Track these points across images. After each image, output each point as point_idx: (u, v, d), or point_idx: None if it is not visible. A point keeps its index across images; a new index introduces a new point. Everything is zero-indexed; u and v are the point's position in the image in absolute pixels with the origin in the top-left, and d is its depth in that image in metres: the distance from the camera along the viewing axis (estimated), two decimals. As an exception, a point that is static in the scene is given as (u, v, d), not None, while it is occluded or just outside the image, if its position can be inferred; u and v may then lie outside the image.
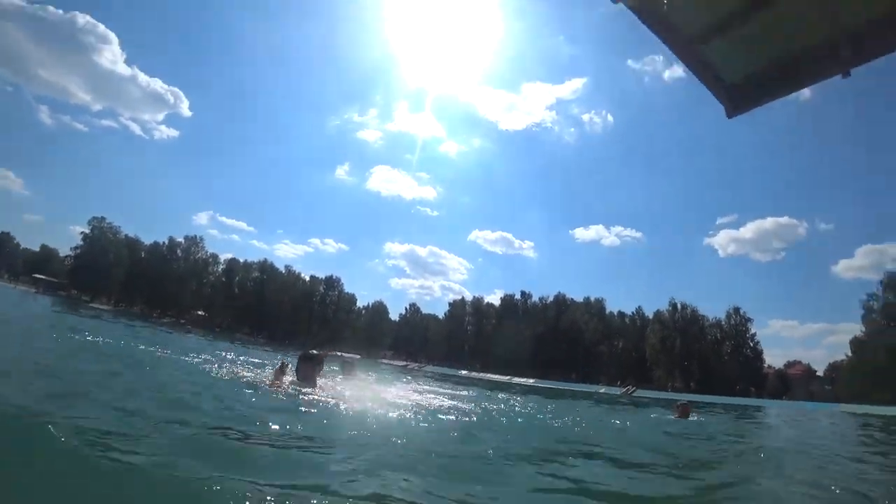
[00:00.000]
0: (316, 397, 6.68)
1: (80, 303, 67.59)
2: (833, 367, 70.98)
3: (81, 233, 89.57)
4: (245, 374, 8.82)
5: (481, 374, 48.70)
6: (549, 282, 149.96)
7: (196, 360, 10.06)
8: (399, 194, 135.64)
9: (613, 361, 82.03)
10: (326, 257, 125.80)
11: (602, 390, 38.46)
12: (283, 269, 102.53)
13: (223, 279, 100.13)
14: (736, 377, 70.16)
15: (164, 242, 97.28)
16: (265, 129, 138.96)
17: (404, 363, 67.59)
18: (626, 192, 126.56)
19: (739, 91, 3.72)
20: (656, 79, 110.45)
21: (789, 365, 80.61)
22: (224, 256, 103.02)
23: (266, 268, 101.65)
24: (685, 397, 30.67)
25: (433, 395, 10.55)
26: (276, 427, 4.20)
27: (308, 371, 7.57)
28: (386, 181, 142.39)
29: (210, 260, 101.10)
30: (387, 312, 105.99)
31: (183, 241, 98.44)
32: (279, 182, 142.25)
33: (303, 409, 5.79)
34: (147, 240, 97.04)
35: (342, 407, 6.16)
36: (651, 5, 3.03)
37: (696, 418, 10.90)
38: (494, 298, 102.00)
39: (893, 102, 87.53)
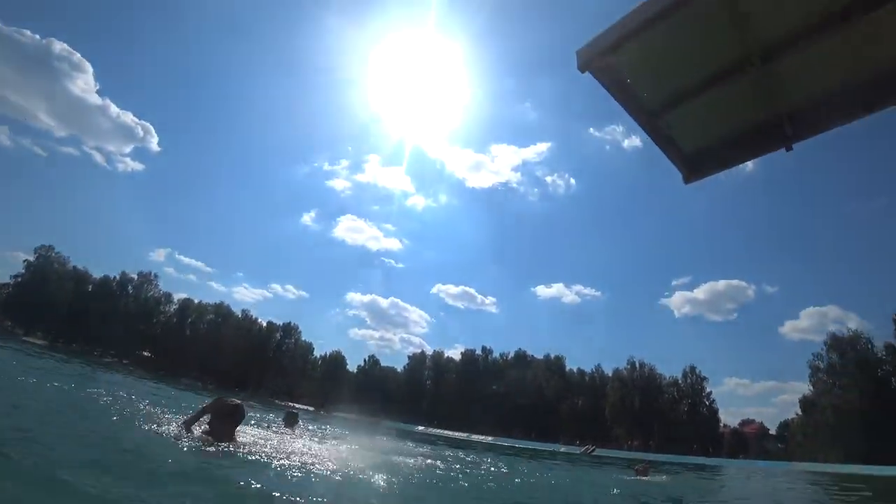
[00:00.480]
0: (215, 452, 5.47)
1: (12, 335, 62.55)
2: (784, 426, 72.63)
3: (25, 261, 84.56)
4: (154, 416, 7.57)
5: (439, 431, 47.23)
6: (510, 338, 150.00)
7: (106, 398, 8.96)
8: (364, 244, 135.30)
9: (573, 419, 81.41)
10: (285, 303, 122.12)
11: (562, 449, 37.89)
12: (239, 313, 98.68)
13: (175, 320, 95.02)
14: (693, 436, 70.80)
15: (115, 277, 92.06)
16: (234, 171, 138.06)
17: (360, 416, 65.00)
18: (587, 252, 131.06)
19: (695, 159, 3.99)
20: (616, 147, 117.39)
21: (744, 423, 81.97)
22: (178, 296, 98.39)
23: (222, 310, 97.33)
24: (645, 457, 30.57)
25: (384, 453, 9.33)
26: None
27: (219, 426, 6.09)
28: (352, 231, 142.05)
29: (162, 299, 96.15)
30: (344, 363, 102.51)
31: (136, 277, 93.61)
32: (243, 224, 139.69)
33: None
34: (97, 273, 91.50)
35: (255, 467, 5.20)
36: (615, 76, 3.26)
37: (655, 478, 10.86)
38: (455, 353, 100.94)
39: (832, 174, 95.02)
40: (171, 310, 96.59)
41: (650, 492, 8.06)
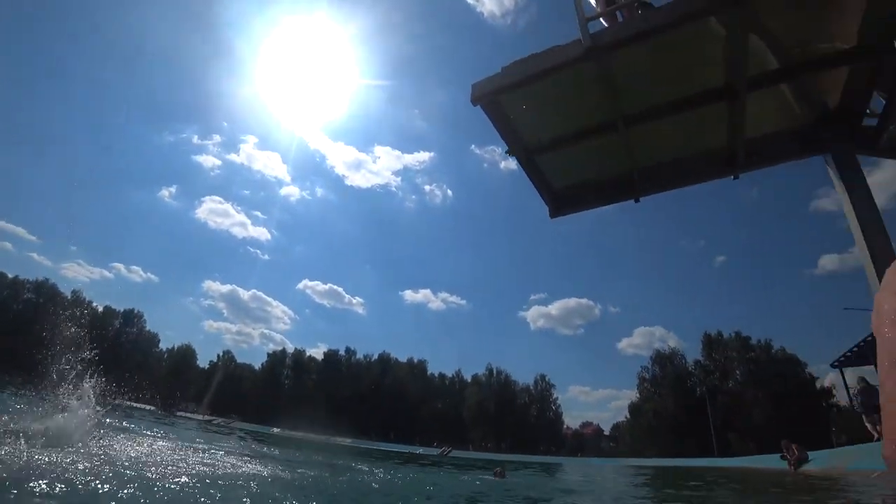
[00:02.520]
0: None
1: None
2: (616, 427, 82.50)
3: None
4: None
5: (296, 433, 45.32)
6: (375, 340, 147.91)
7: None
8: (229, 230, 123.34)
9: (433, 422, 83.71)
10: (129, 287, 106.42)
11: (419, 451, 38.74)
12: (68, 294, 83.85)
13: None
14: (540, 437, 77.24)
15: None
16: (77, 124, 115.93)
17: (208, 417, 59.80)
18: (455, 262, 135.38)
19: (562, 199, 4.50)
20: (494, 166, 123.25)
21: (584, 425, 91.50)
22: None
23: (44, 289, 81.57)
24: (499, 457, 32.54)
25: (215, 456, 7.89)
26: None
27: None
28: (216, 214, 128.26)
29: None
30: (194, 358, 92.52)
31: None
32: (84, 189, 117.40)
33: None
34: None
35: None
36: (502, 114, 3.59)
37: (510, 479, 11.73)
38: (318, 352, 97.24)
39: (670, 219, 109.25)
40: None
41: (510, 492, 8.69)
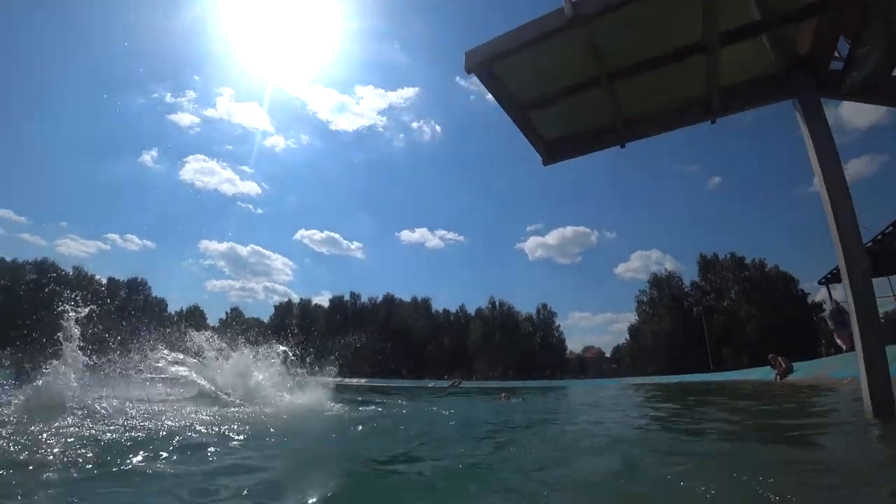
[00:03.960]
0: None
1: None
2: (617, 349, 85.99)
3: None
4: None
5: (312, 378, 47.14)
6: (377, 283, 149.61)
7: None
8: (217, 188, 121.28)
9: (440, 356, 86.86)
10: (128, 256, 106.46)
11: (430, 384, 40.62)
12: (70, 271, 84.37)
13: None
14: (545, 363, 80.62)
15: None
16: (45, 94, 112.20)
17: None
18: (449, 198, 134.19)
19: (553, 147, 4.81)
20: (481, 98, 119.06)
21: (586, 349, 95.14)
22: None
23: (46, 268, 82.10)
24: (507, 384, 34.26)
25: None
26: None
27: None
28: (202, 173, 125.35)
29: None
30: (204, 318, 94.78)
31: None
32: (64, 163, 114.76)
33: None
34: None
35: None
36: (495, 79, 3.83)
37: (516, 400, 12.63)
38: (322, 300, 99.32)
39: (664, 143, 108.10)
40: None
41: (514, 409, 9.48)
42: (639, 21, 3.17)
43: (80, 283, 79.43)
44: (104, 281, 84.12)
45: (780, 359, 16.26)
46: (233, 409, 5.70)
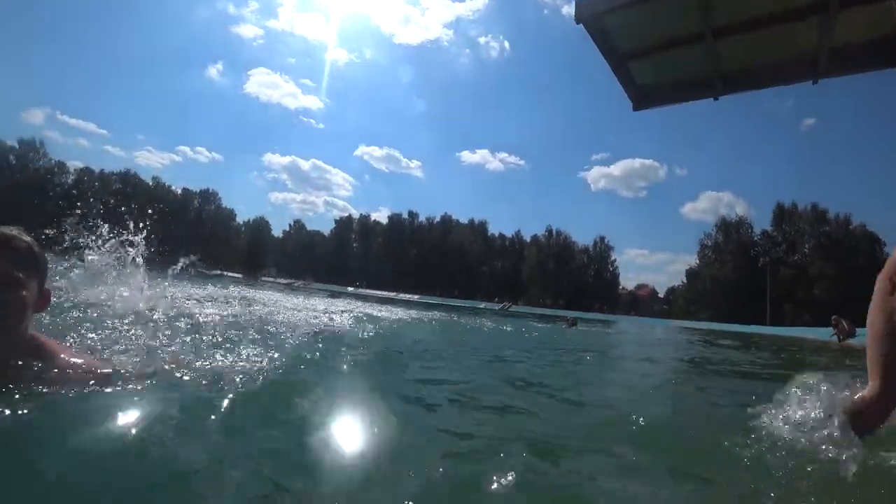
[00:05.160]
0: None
1: None
2: (671, 290, 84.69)
3: None
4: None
5: (368, 291, 50.00)
6: (434, 201, 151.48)
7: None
8: (280, 102, 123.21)
9: (493, 280, 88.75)
10: (198, 168, 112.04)
11: (482, 305, 42.21)
12: (149, 181, 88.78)
13: (74, 192, 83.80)
14: (596, 296, 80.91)
15: (-12, 146, 74.50)
16: (118, 10, 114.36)
17: (289, 281, 66.51)
18: (513, 119, 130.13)
19: (645, 94, 4.92)
20: (555, 12, 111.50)
21: (639, 287, 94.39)
22: (72, 165, 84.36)
23: (129, 179, 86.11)
24: (559, 313, 35.21)
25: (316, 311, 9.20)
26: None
27: None
28: (266, 86, 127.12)
29: (55, 169, 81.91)
30: (269, 229, 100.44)
31: (17, 145, 77.93)
32: (138, 77, 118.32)
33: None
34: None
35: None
36: (602, 30, 3.97)
37: (580, 328, 13.38)
38: (380, 216, 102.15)
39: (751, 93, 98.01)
40: (69, 181, 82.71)
41: (583, 339, 10.07)
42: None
43: (160, 192, 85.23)
44: (179, 191, 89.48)
45: (843, 321, 15.76)
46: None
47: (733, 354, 9.25)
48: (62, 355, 1.54)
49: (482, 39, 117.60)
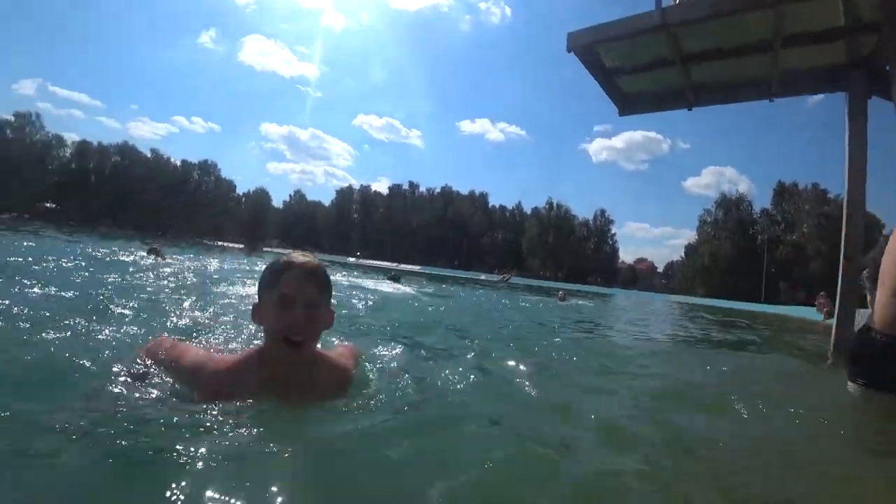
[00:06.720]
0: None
1: None
2: (670, 265, 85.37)
3: None
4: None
5: (369, 262, 50.78)
6: (434, 172, 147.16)
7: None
8: (276, 70, 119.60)
9: (493, 251, 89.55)
10: (195, 138, 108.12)
11: (482, 277, 43.02)
12: (147, 153, 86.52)
13: (73, 165, 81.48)
14: (596, 269, 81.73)
15: (-15, 120, 71.91)
16: None
17: (290, 251, 66.81)
18: (514, 89, 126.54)
19: (629, 102, 5.58)
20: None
21: (638, 261, 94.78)
22: (69, 137, 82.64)
23: (127, 151, 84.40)
24: (555, 285, 36.08)
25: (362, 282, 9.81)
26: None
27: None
28: (261, 53, 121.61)
29: (53, 142, 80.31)
30: (269, 199, 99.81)
31: (12, 118, 75.69)
32: (127, 44, 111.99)
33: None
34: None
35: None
36: (593, 57, 4.63)
37: (572, 302, 13.82)
38: (381, 186, 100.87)
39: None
40: (67, 154, 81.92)
41: (577, 310, 10.67)
42: (719, 26, 3.87)
43: (158, 164, 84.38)
44: (178, 163, 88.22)
45: (828, 300, 16.47)
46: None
47: (712, 329, 10.06)
48: (333, 363, 1.73)
49: (483, 5, 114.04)
